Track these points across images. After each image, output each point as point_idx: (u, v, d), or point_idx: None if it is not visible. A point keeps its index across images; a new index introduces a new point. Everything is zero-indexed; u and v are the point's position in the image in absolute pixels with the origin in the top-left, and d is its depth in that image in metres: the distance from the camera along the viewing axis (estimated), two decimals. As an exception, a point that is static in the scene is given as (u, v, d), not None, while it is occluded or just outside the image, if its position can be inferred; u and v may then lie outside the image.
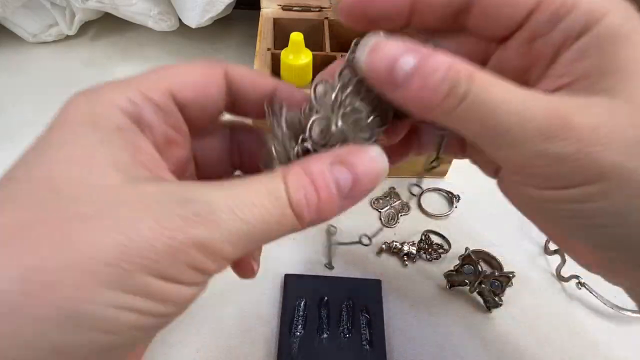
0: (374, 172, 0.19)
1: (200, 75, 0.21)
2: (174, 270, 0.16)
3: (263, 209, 0.17)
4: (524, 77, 0.19)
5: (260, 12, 0.48)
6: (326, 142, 0.20)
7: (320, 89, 0.20)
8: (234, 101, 0.23)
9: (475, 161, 0.26)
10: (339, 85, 0.20)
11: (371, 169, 0.19)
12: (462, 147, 0.25)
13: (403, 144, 0.25)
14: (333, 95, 0.20)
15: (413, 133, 0.25)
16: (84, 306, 0.14)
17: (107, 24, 0.61)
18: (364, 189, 0.19)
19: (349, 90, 0.20)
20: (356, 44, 0.19)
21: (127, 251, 0.15)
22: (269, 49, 0.43)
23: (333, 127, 0.19)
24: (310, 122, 0.20)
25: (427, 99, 0.17)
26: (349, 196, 0.18)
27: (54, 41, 0.59)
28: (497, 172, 0.23)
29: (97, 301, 0.15)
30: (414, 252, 0.41)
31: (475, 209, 0.45)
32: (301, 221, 0.18)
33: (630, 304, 0.37)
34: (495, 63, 0.20)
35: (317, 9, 0.48)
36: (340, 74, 0.20)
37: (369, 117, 0.20)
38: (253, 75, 0.22)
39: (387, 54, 0.17)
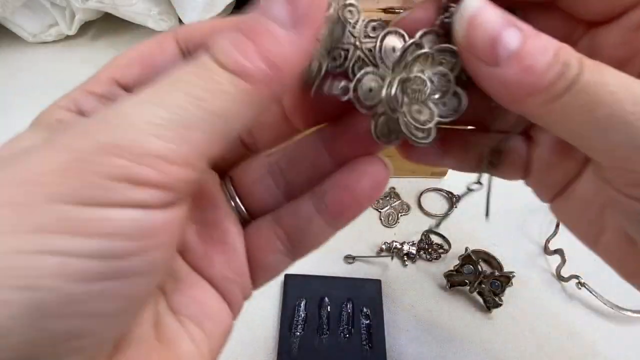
0: None
1: (144, 51, 0.18)
2: (92, 189, 0.12)
3: (183, 84, 0.13)
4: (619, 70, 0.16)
5: (260, 12, 0.48)
6: (369, 100, 0.17)
7: (390, 41, 0.17)
8: None
9: (535, 183, 0.22)
10: (417, 47, 0.17)
11: None
12: (527, 167, 0.22)
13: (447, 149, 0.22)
14: (399, 54, 0.16)
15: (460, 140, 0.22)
16: None
17: (107, 24, 0.61)
18: (307, 7, 0.14)
19: (428, 58, 0.17)
20: (447, 8, 0.17)
21: (18, 182, 0.12)
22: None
23: (386, 91, 0.16)
24: (362, 73, 0.17)
25: (530, 83, 0.14)
26: (296, 23, 0.14)
27: (54, 41, 0.59)
28: (554, 198, 0.21)
29: None
30: (414, 252, 0.41)
31: (475, 209, 0.45)
32: (249, 78, 0.13)
33: (630, 303, 0.38)
34: (582, 49, 0.16)
35: (317, 9, 0.49)
36: (423, 34, 0.17)
37: (435, 94, 0.17)
38: (206, 25, 0.19)
39: (490, 25, 0.15)
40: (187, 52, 0.19)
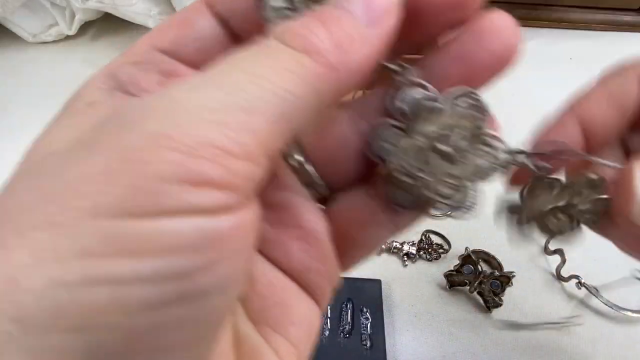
0: None
1: (177, 17, 0.17)
2: (142, 195, 0.10)
3: (242, 62, 0.12)
4: None
5: (260, 12, 0.48)
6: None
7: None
8: (234, 24, 0.17)
9: None
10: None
11: None
12: None
13: None
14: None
15: None
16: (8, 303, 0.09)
17: (107, 24, 0.61)
18: (383, 9, 0.13)
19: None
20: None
21: (54, 196, 0.10)
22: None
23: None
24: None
25: None
26: (370, 22, 0.13)
27: (54, 41, 0.59)
28: None
29: (27, 287, 0.09)
30: (414, 252, 0.41)
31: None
32: (316, 56, 0.12)
33: (630, 303, 0.38)
34: None
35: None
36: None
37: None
38: None
39: None
40: (219, 16, 0.17)
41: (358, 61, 0.13)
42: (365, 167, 0.17)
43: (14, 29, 0.58)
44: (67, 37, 0.59)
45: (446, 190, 0.15)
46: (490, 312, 0.37)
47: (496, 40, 0.14)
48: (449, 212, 0.15)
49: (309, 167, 0.17)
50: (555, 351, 0.36)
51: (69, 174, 0.11)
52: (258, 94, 0.11)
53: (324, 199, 0.17)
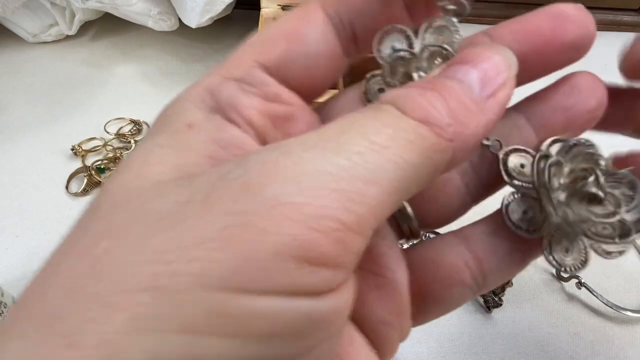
0: (503, 60, 0.14)
1: (287, 26, 0.15)
2: (253, 270, 0.09)
3: (362, 128, 0.11)
4: None
5: (260, 12, 0.48)
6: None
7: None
8: (358, 28, 0.16)
9: None
10: None
11: (499, 57, 0.13)
12: None
13: None
14: None
15: None
16: None
17: (107, 24, 0.61)
18: (499, 81, 0.13)
19: None
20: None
21: (160, 256, 0.10)
22: (269, 49, 0.43)
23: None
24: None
25: None
26: (486, 95, 0.13)
27: (54, 41, 0.59)
28: None
29: None
30: (414, 252, 0.41)
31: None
32: (434, 128, 0.12)
33: (630, 303, 0.37)
34: None
35: (317, 9, 0.49)
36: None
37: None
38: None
39: None
40: (340, 21, 0.15)
41: (474, 133, 0.13)
42: (463, 206, 0.17)
43: (14, 29, 0.58)
44: (67, 37, 0.59)
45: (607, 231, 0.14)
46: (490, 312, 0.37)
47: (592, 98, 0.16)
48: (615, 251, 0.15)
49: (405, 202, 0.16)
50: (556, 351, 0.36)
51: (181, 232, 0.10)
52: (379, 163, 0.11)
53: (406, 233, 0.16)
